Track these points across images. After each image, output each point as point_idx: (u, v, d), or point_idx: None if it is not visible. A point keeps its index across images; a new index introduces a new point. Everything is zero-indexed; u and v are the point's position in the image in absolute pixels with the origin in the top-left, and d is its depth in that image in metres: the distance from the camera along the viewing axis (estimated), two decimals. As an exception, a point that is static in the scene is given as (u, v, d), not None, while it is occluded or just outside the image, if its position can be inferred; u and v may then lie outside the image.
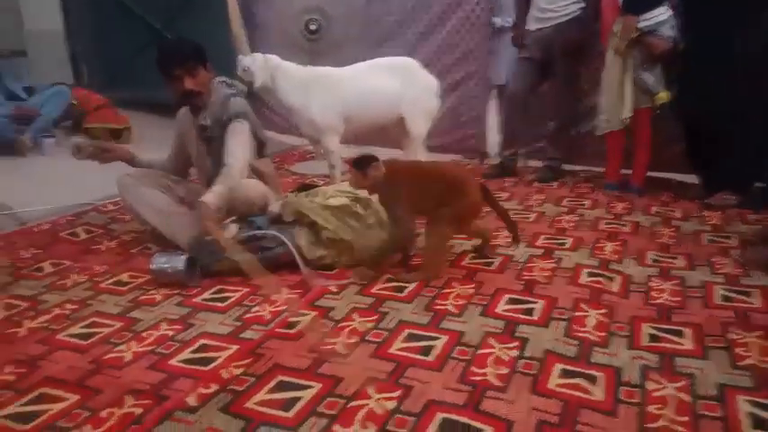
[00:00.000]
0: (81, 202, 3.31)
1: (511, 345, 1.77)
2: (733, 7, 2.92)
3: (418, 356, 1.71)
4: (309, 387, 1.57)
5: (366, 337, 1.83)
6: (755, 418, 1.43)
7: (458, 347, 1.76)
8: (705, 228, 2.88)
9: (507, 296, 2.11)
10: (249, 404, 1.50)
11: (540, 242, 2.69)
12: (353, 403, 1.50)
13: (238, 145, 2.50)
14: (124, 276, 2.38)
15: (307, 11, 4.10)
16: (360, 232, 2.42)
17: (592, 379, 1.59)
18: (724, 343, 1.78)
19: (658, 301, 2.07)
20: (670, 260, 2.45)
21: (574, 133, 3.98)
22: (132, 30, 5.31)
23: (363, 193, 2.56)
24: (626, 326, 1.89)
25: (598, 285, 2.20)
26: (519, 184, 3.79)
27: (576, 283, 2.22)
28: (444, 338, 1.81)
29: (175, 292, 2.21)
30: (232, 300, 2.14)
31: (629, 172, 3.56)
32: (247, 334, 1.88)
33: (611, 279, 2.25)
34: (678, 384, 1.57)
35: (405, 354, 1.73)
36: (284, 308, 2.05)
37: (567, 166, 4.00)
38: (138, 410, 1.49)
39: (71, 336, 1.90)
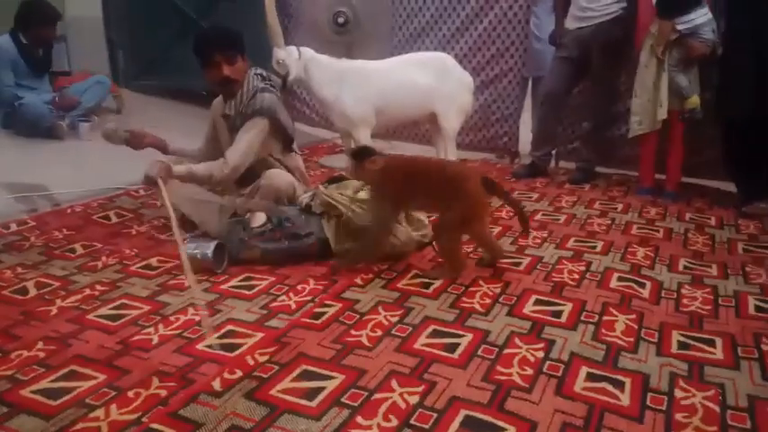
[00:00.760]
0: (113, 187, 3.36)
1: (537, 346, 1.75)
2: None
3: (443, 353, 1.71)
4: (333, 378, 1.58)
5: (391, 332, 1.83)
6: (788, 432, 1.39)
7: (483, 346, 1.75)
8: (740, 237, 2.81)
9: (535, 297, 2.09)
10: (273, 391, 1.51)
11: (570, 244, 2.65)
12: (377, 396, 1.50)
13: (246, 141, 2.52)
14: (153, 261, 2.41)
15: (335, 4, 4.10)
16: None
17: (619, 384, 1.57)
18: (756, 354, 1.74)
19: (690, 308, 2.03)
20: (703, 268, 2.39)
21: (608, 135, 3.91)
22: (169, 19, 5.36)
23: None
24: (655, 332, 1.85)
25: (628, 290, 2.16)
26: (550, 185, 3.75)
27: (605, 287, 2.19)
28: (469, 336, 1.80)
29: (204, 278, 2.23)
30: (259, 288, 2.15)
31: (664, 177, 3.50)
32: (273, 322, 1.90)
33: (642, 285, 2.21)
34: (707, 393, 1.54)
35: (429, 349, 1.73)
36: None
37: (600, 169, 3.94)
38: (164, 392, 1.51)
39: (101, 316, 1.94)
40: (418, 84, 3.26)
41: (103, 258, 2.43)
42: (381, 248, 2.33)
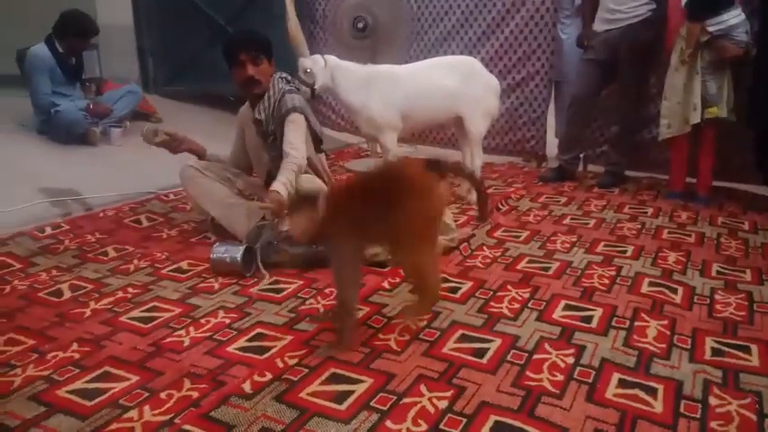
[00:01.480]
0: (144, 191, 3.42)
1: (567, 351, 1.73)
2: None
3: (471, 358, 1.70)
4: (362, 381, 1.58)
5: (419, 336, 1.83)
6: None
7: (512, 351, 1.74)
8: (776, 241, 2.75)
9: (564, 302, 2.07)
10: (303, 394, 1.52)
11: (599, 249, 2.62)
12: (405, 400, 1.50)
13: (297, 136, 2.53)
14: (184, 264, 2.44)
15: (355, 9, 4.12)
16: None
17: (651, 391, 1.55)
18: (794, 362, 1.69)
19: (723, 314, 1.99)
20: (737, 273, 2.35)
21: (638, 138, 3.86)
22: (197, 26, 5.45)
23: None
24: (688, 338, 1.82)
25: (660, 295, 2.13)
26: (578, 189, 3.71)
27: (636, 292, 2.16)
28: (498, 341, 1.79)
29: (233, 281, 2.26)
30: (287, 291, 2.17)
31: (695, 180, 3.44)
32: (301, 325, 1.91)
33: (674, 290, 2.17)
34: (743, 401, 1.51)
35: (458, 354, 1.72)
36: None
37: (629, 172, 3.89)
38: (196, 394, 1.53)
39: (133, 318, 1.97)
40: (445, 87, 3.26)
41: (135, 261, 2.47)
42: (353, 305, 1.83)
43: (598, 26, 3.59)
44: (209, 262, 2.35)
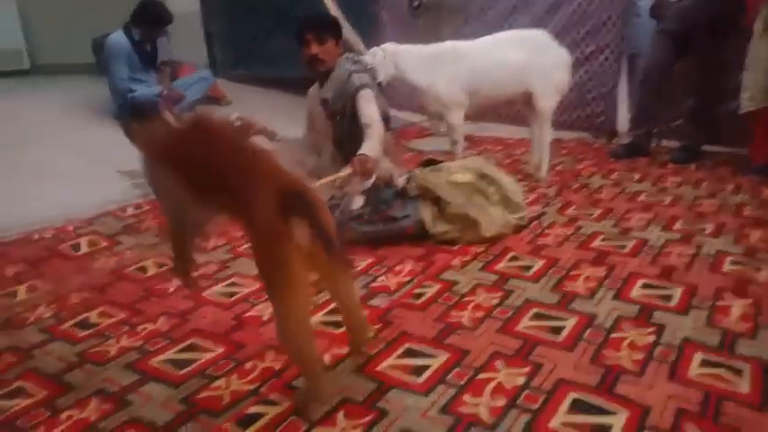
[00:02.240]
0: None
1: (647, 330, 1.70)
2: None
3: (547, 336, 1.69)
4: (437, 356, 1.60)
5: (492, 314, 1.83)
6: None
7: (589, 329, 1.72)
8: None
9: (642, 281, 2.02)
10: (380, 368, 1.56)
11: (677, 226, 2.54)
12: (482, 375, 1.51)
13: (371, 109, 2.57)
14: (259, 242, 2.51)
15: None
16: (485, 209, 2.42)
17: (737, 371, 1.50)
18: None
19: (813, 294, 1.90)
20: (828, 252, 2.23)
21: (715, 112, 3.69)
22: (262, 10, 5.55)
23: (490, 170, 2.54)
24: (776, 319, 1.75)
25: (743, 275, 2.04)
26: (652, 165, 3.58)
27: (718, 271, 2.08)
28: (574, 319, 1.77)
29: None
30: (359, 268, 2.21)
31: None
32: (375, 301, 1.94)
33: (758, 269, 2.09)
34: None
35: (533, 332, 1.72)
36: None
37: (706, 148, 3.72)
38: (278, 365, 1.59)
39: (214, 294, 2.06)
40: (512, 62, 3.19)
41: (213, 240, 2.56)
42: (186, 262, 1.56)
43: (672, -5, 3.43)
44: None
